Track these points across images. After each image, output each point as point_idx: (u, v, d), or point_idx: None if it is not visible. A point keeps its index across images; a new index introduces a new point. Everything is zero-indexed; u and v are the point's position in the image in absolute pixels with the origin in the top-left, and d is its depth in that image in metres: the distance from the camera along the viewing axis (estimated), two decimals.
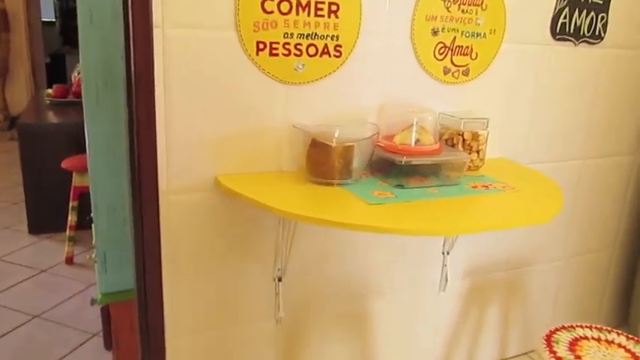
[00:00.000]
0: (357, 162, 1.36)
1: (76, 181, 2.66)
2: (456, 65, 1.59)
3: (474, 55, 1.61)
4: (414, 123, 1.42)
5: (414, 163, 1.35)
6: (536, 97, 1.79)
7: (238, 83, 1.33)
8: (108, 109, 1.67)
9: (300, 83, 1.39)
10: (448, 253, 1.79)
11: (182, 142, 1.31)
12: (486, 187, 1.42)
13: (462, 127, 1.52)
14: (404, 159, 1.33)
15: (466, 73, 1.62)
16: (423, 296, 1.82)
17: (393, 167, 1.36)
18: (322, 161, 1.34)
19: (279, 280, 1.52)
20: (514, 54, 1.69)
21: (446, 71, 1.58)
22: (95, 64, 1.60)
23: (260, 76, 1.34)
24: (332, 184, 1.33)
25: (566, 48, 1.79)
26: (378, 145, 1.41)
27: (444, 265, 1.80)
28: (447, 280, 1.80)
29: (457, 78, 1.61)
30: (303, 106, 1.41)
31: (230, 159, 1.37)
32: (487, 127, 1.56)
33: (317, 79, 1.41)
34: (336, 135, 1.32)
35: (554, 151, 1.90)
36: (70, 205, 2.70)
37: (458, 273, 1.86)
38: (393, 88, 1.52)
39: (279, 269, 1.51)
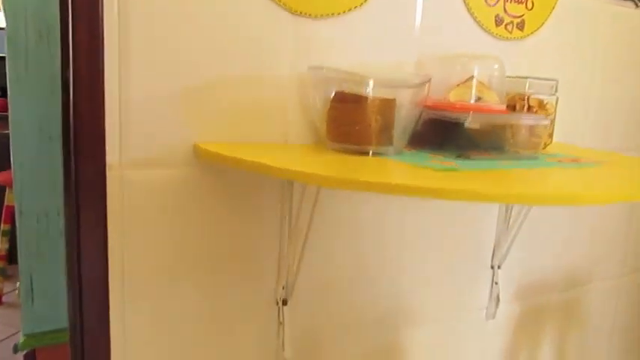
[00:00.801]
0: (401, 123, 0.94)
1: (9, 199, 2.14)
2: (509, 15, 1.22)
3: (529, 4, 1.25)
4: (474, 75, 1.03)
5: (483, 122, 0.94)
6: (594, 69, 1.44)
7: (227, 10, 0.91)
8: (42, 74, 1.22)
9: (315, 16, 0.98)
10: (499, 267, 1.37)
11: (145, 95, 0.87)
12: (575, 161, 1.02)
13: (526, 89, 1.13)
14: (469, 117, 0.92)
15: (521, 27, 1.25)
16: (466, 324, 1.37)
17: (452, 131, 0.94)
18: (352, 120, 0.92)
19: (284, 303, 1.06)
20: (572, 12, 1.34)
21: (498, 22, 1.21)
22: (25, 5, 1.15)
23: (259, 0, 0.93)
24: (366, 153, 0.91)
25: (627, 10, 1.46)
26: (426, 107, 1.00)
27: (495, 283, 1.37)
28: (498, 300, 1.37)
29: (511, 32, 1.23)
30: (317, 49, 1.00)
31: (213, 121, 0.93)
32: (556, 90, 1.17)
33: (337, 14, 1.00)
34: (371, 85, 0.91)
35: (612, 139, 1.54)
36: (1, 229, 2.16)
37: (508, 295, 1.43)
38: (433, 38, 1.13)
39: (283, 287, 1.05)
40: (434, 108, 0.99)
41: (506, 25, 1.22)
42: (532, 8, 1.25)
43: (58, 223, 1.30)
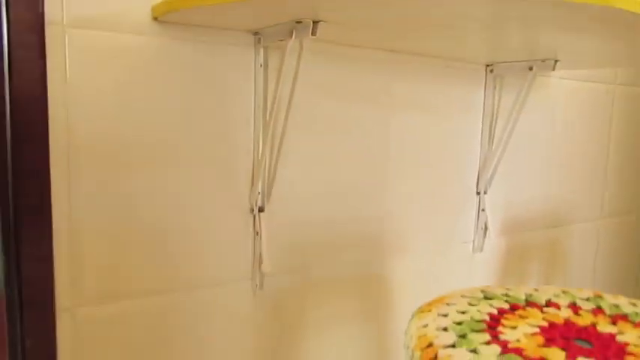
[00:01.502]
0: None
1: None
2: None
3: None
4: None
5: None
6: None
7: None
8: None
9: None
10: (485, 193, 1.28)
11: None
12: None
13: None
14: None
15: None
16: (453, 256, 1.27)
17: None
18: None
19: (260, 210, 0.92)
20: None
21: None
22: None
23: None
24: None
25: None
26: None
27: (481, 210, 1.28)
28: (485, 229, 1.27)
29: None
30: None
31: None
32: None
33: None
34: None
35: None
36: None
37: (494, 228, 1.34)
38: None
39: (259, 192, 0.92)
40: None
41: None
42: None
43: None
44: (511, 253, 1.40)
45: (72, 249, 0.76)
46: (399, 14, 0.71)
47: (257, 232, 0.92)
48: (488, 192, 1.29)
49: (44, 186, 0.73)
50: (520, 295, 0.53)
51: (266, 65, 0.89)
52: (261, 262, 0.91)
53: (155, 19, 0.79)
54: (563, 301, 0.52)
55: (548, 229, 1.49)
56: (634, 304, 0.52)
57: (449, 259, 1.26)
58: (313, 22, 0.75)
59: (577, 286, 1.62)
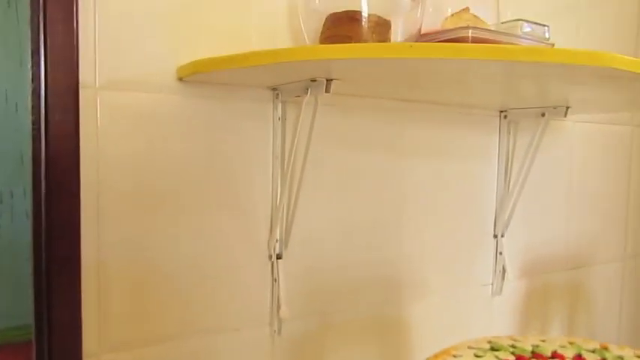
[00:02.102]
0: None
1: None
2: None
3: None
4: (467, 7, 0.99)
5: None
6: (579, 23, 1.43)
7: None
8: (8, 43, 1.14)
9: None
10: (502, 236, 1.29)
11: (123, 11, 0.80)
12: None
13: (520, 31, 1.10)
14: (470, 31, 0.87)
15: None
16: (471, 298, 1.27)
17: None
18: (348, 38, 0.86)
19: (278, 257, 0.95)
20: None
21: None
22: None
23: None
24: None
25: None
26: (421, 35, 0.95)
27: (499, 253, 1.28)
28: (504, 272, 1.27)
29: None
30: None
31: (196, 47, 0.86)
32: (549, 38, 1.15)
33: None
34: (366, 0, 0.86)
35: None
36: None
37: (513, 270, 1.34)
38: None
39: (277, 240, 0.95)
40: (431, 34, 0.94)
41: None
42: None
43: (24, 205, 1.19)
44: (532, 295, 1.40)
45: (99, 296, 0.80)
46: (410, 72, 0.75)
47: (275, 279, 0.94)
48: (506, 235, 1.29)
49: (74, 237, 0.78)
50: (527, 346, 0.54)
51: (284, 118, 0.93)
52: (279, 308, 0.94)
53: (180, 79, 0.84)
54: (569, 353, 0.53)
55: (569, 271, 1.48)
56: (639, 356, 0.53)
57: (468, 302, 1.26)
58: (327, 80, 0.79)
59: (603, 330, 1.59)
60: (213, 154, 0.88)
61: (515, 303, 1.36)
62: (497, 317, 1.32)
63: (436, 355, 0.52)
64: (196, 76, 0.82)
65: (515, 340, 0.56)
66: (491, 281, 1.30)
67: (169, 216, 0.85)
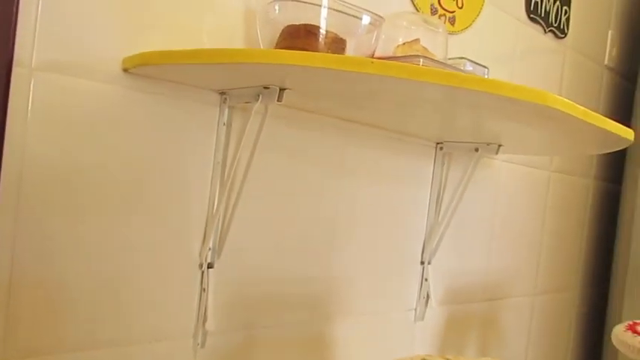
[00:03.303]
0: None
1: None
2: (443, 8, 1.27)
3: (460, 3, 1.31)
4: (418, 39, 1.03)
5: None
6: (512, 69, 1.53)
7: None
8: None
9: None
10: (429, 263, 1.32)
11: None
12: None
13: (463, 68, 1.15)
14: (421, 60, 0.90)
15: (452, 22, 1.30)
16: (395, 324, 1.29)
17: None
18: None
19: (210, 266, 0.92)
20: (494, 19, 1.43)
21: (433, 11, 1.25)
22: None
23: None
24: None
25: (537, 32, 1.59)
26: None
27: (424, 280, 1.32)
28: (427, 298, 1.30)
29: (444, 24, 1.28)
30: None
31: (146, 43, 0.83)
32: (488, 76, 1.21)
33: None
34: (325, 16, 0.87)
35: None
36: None
37: (436, 297, 1.37)
38: None
39: (210, 248, 0.92)
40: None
41: (439, 17, 1.27)
42: (462, 7, 1.32)
43: None
44: (451, 323, 1.44)
45: (8, 300, 0.73)
46: (364, 90, 0.76)
47: (204, 289, 0.91)
48: (432, 262, 1.33)
49: None
50: None
51: (229, 125, 0.91)
52: (205, 320, 0.90)
53: (125, 70, 0.80)
54: None
55: (486, 302, 1.55)
56: None
57: (391, 325, 1.28)
58: (280, 89, 0.79)
59: (511, 358, 1.67)
60: (151, 153, 0.85)
61: (435, 329, 1.39)
62: (417, 342, 1.35)
63: None
64: (143, 68, 0.79)
65: (447, 359, 0.57)
66: (414, 306, 1.33)
67: (97, 215, 0.80)
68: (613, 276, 1.93)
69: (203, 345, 0.92)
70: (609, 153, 1.98)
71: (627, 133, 0.77)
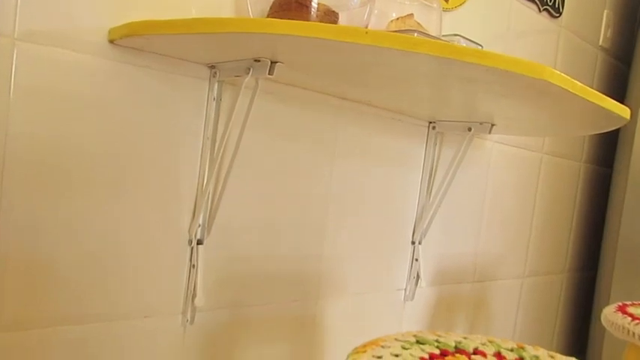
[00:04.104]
0: None
1: None
2: None
3: None
4: (412, 14, 1.01)
5: None
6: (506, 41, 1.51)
7: None
8: None
9: None
10: (420, 243, 1.32)
11: None
12: None
13: (456, 44, 1.14)
14: (415, 34, 0.89)
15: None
16: (384, 303, 1.29)
17: None
18: None
19: (199, 243, 0.91)
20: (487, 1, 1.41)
21: None
22: None
23: None
24: None
25: (531, 10, 1.58)
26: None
27: (415, 259, 1.31)
28: (418, 278, 1.31)
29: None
30: None
31: (137, 4, 0.81)
32: None
33: None
34: None
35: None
36: None
37: (426, 277, 1.38)
38: None
39: (199, 225, 0.91)
40: None
41: None
42: None
43: None
44: (440, 303, 1.44)
45: None
46: (357, 63, 0.74)
47: (193, 265, 0.90)
48: (423, 242, 1.33)
49: None
50: (450, 342, 0.55)
51: (219, 99, 0.89)
52: (194, 296, 0.89)
53: (111, 41, 0.78)
54: (489, 350, 0.54)
55: (475, 283, 1.55)
56: (552, 357, 0.55)
57: (381, 305, 1.28)
58: (271, 62, 0.77)
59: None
60: (139, 128, 0.83)
61: (424, 309, 1.40)
62: (406, 322, 1.35)
63: (364, 345, 0.52)
64: (130, 40, 0.77)
65: (439, 336, 0.56)
66: (405, 286, 1.33)
67: (84, 190, 0.78)
68: (602, 259, 1.95)
69: (192, 321, 0.91)
70: (601, 136, 1.99)
71: (623, 111, 0.76)
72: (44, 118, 0.74)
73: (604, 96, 0.72)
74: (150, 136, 0.84)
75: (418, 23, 1.02)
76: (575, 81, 0.66)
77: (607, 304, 1.86)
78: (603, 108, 0.73)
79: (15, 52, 0.71)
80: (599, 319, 1.48)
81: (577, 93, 0.67)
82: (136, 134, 0.82)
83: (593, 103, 0.70)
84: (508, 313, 1.72)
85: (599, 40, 1.89)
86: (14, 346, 0.74)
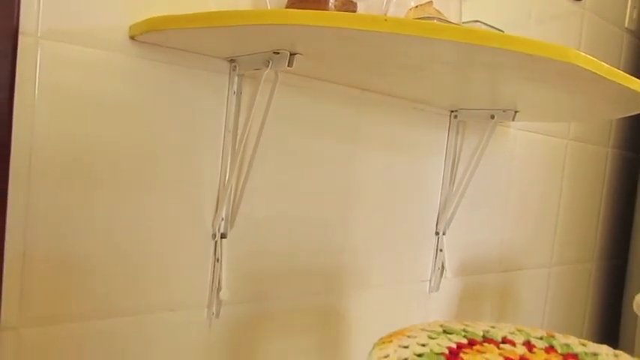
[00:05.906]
0: None
1: None
2: None
3: None
4: (431, 1, 1.00)
5: None
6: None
7: None
8: None
9: None
10: (444, 234, 1.31)
11: None
12: None
13: None
14: (435, 21, 0.87)
15: None
16: (409, 295, 1.28)
17: None
18: None
19: (223, 237, 0.91)
20: None
21: None
22: None
23: None
24: None
25: None
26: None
27: (439, 250, 1.30)
28: (442, 269, 1.29)
29: None
30: None
31: (151, 12, 0.81)
32: None
33: None
34: None
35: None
36: None
37: (451, 268, 1.36)
38: None
39: (222, 219, 0.91)
40: None
41: None
42: None
43: None
44: (465, 294, 1.43)
45: (24, 268, 0.73)
46: (377, 52, 0.74)
47: (217, 259, 0.90)
48: (447, 233, 1.32)
49: (1, 200, 0.71)
50: (478, 331, 0.54)
51: (239, 93, 0.90)
52: (219, 290, 0.90)
53: (132, 38, 0.79)
54: (518, 339, 0.53)
55: (501, 273, 1.53)
56: (584, 345, 0.54)
57: (406, 296, 1.27)
58: (290, 54, 0.77)
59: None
60: (161, 123, 0.83)
61: (449, 300, 1.38)
62: (431, 313, 1.34)
63: (390, 335, 0.51)
64: (150, 35, 0.77)
65: (466, 325, 0.55)
66: (429, 277, 1.32)
67: (108, 187, 0.79)
68: (632, 246, 1.90)
69: (218, 315, 0.92)
70: (628, 120, 1.93)
71: None
72: (68, 116, 0.75)
73: (632, 77, 0.70)
74: (172, 130, 0.85)
75: (437, 11, 1.01)
76: (602, 62, 0.64)
77: (638, 291, 1.82)
78: (631, 90, 0.70)
79: (39, 50, 0.72)
80: (631, 307, 1.44)
81: (604, 75, 0.65)
82: (158, 129, 0.83)
83: (620, 85, 0.68)
84: (536, 303, 1.70)
85: (624, 21, 1.84)
86: (44, 341, 0.76)
